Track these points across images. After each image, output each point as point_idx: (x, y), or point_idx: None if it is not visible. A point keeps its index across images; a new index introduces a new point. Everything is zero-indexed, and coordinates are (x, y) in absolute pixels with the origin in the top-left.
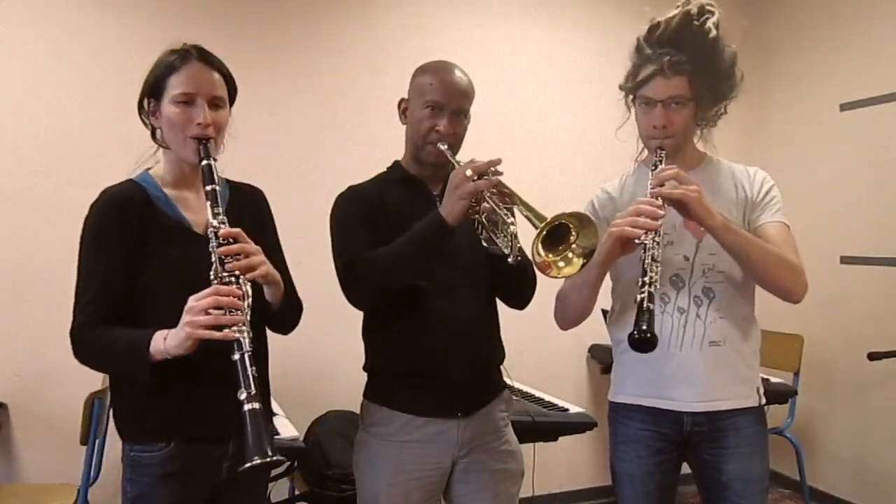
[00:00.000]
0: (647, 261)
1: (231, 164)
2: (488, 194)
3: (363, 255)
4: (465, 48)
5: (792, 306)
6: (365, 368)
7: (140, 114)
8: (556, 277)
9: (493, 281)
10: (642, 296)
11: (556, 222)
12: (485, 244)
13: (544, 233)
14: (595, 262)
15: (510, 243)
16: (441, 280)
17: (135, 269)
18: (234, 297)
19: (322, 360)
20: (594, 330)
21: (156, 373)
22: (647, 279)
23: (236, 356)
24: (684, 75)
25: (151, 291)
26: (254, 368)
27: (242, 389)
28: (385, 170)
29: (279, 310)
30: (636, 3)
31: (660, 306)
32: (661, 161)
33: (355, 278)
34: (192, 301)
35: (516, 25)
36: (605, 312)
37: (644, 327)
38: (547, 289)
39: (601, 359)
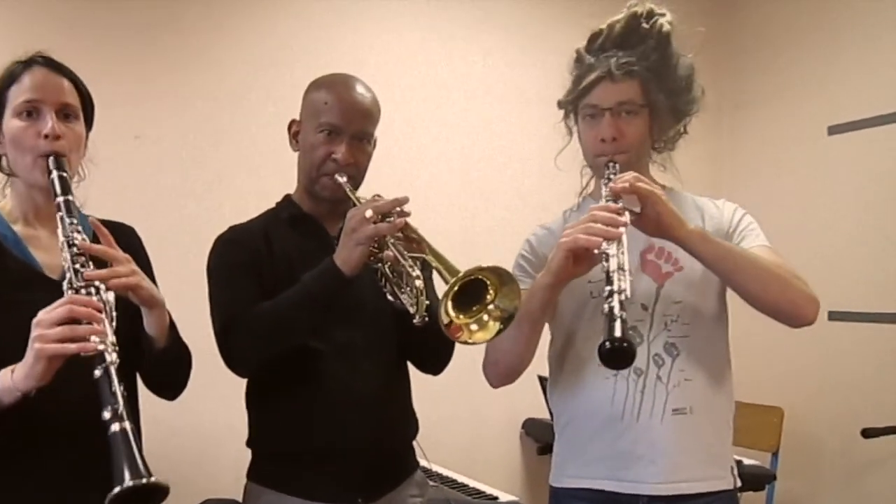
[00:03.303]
0: (611, 268)
1: (92, 196)
2: (392, 240)
3: (245, 311)
4: (374, 60)
5: (767, 371)
6: (249, 445)
7: None
8: (466, 343)
9: (402, 341)
10: (611, 304)
11: (471, 277)
12: (390, 298)
13: (456, 289)
14: (540, 285)
15: (416, 300)
16: (339, 340)
17: None
18: (94, 308)
19: (198, 435)
20: (529, 402)
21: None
22: (614, 288)
23: (98, 372)
24: (635, 79)
25: None
26: (122, 386)
27: (108, 408)
28: (274, 205)
29: (164, 350)
30: (584, 10)
31: None
32: (614, 173)
33: (235, 338)
34: (42, 314)
35: (439, 34)
36: (542, 380)
37: (617, 334)
38: (470, 350)
39: (538, 436)
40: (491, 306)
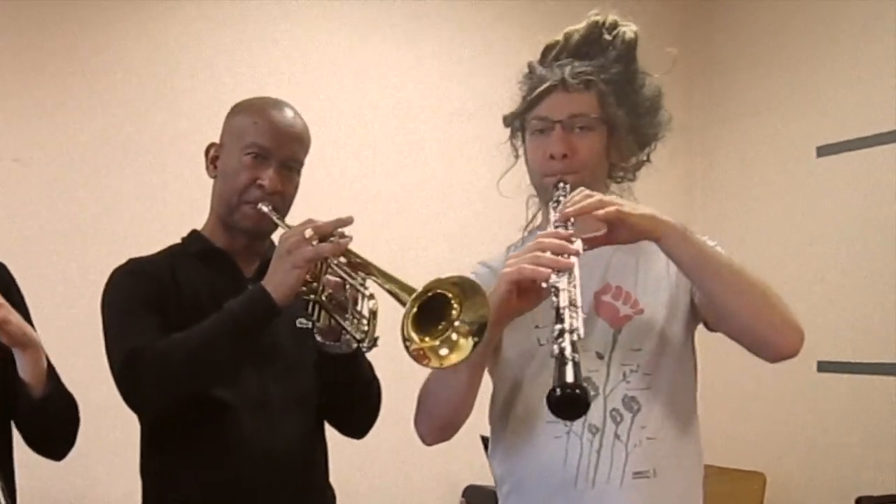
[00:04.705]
0: (561, 304)
1: None
2: (335, 262)
3: (151, 343)
4: (290, 68)
5: (747, 431)
6: None
7: None
8: (438, 368)
9: (324, 397)
10: (562, 345)
11: (430, 293)
12: (318, 339)
13: (415, 309)
14: None
15: (367, 326)
16: (252, 393)
17: None
18: None
19: (83, 501)
20: (471, 465)
21: None
22: (565, 326)
23: None
24: (592, 90)
25: None
26: None
27: None
28: (180, 241)
29: (43, 399)
30: (536, 17)
31: (563, 425)
32: (564, 195)
33: (141, 372)
34: None
35: (364, 41)
36: (484, 441)
37: (569, 380)
38: (400, 406)
39: None
40: (458, 322)
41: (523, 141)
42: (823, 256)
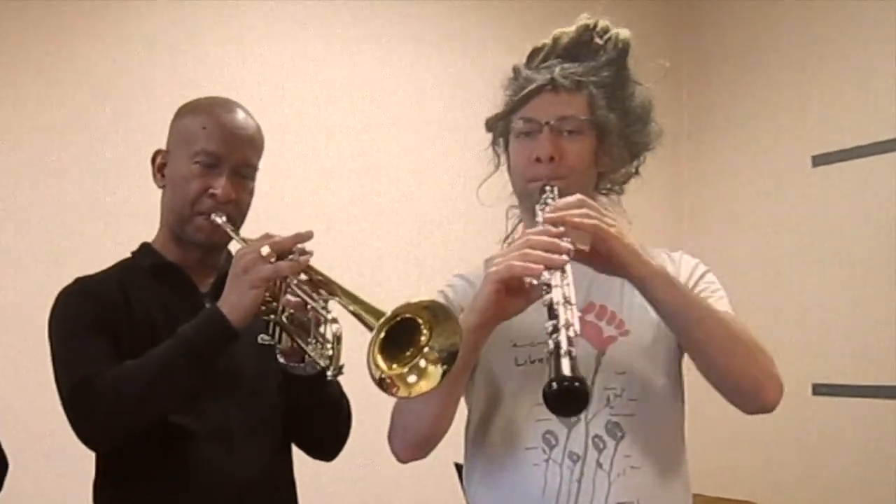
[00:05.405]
0: (555, 300)
1: None
2: (295, 282)
3: (102, 371)
4: (261, 82)
5: (737, 458)
6: None
7: None
8: (406, 398)
9: (290, 419)
10: (557, 339)
11: (399, 318)
12: (281, 361)
13: (382, 335)
14: (464, 327)
15: (332, 351)
16: (212, 418)
17: None
18: None
19: None
20: (446, 495)
21: None
22: (560, 322)
23: None
24: (583, 93)
25: None
26: None
27: None
28: (130, 255)
29: None
30: (516, 24)
31: (542, 452)
32: (553, 198)
33: (92, 402)
34: None
35: (338, 52)
36: (459, 468)
37: (566, 372)
38: (367, 428)
39: None
40: (427, 349)
41: (506, 148)
42: (819, 272)
